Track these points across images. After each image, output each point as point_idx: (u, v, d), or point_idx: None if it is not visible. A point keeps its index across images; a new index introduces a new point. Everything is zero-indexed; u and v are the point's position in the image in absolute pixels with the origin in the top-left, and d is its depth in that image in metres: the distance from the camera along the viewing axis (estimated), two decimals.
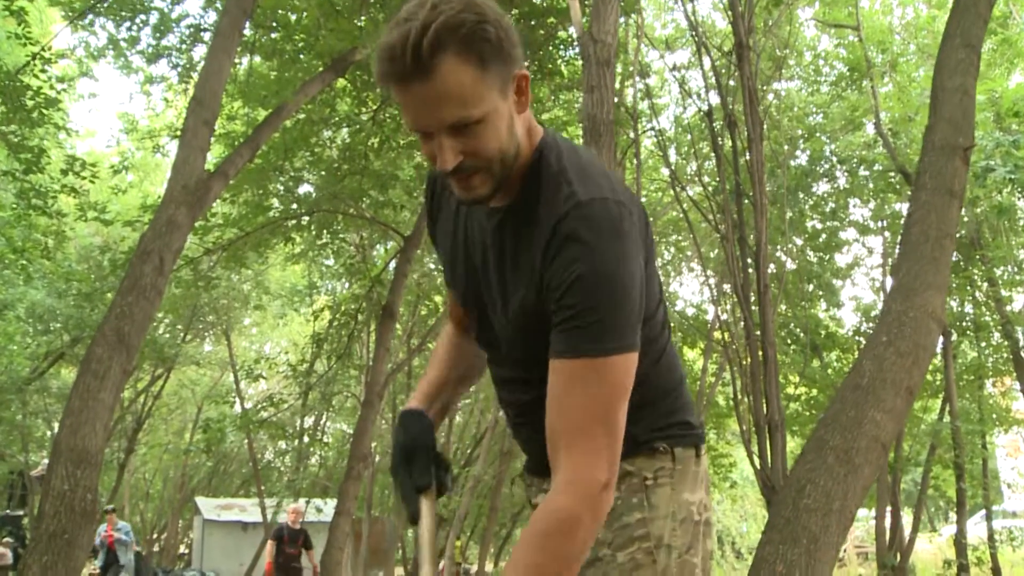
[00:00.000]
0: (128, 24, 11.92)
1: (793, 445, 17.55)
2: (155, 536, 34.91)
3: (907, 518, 18.56)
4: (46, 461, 16.11)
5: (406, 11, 1.36)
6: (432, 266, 17.45)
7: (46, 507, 3.01)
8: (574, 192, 1.43)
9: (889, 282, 17.45)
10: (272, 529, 11.49)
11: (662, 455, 1.59)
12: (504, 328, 1.58)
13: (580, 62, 13.13)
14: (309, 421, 21.77)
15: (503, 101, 1.42)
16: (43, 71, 10.98)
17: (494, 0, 1.43)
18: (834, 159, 17.21)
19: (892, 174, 15.52)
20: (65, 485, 3.06)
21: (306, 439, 21.10)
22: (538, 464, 1.70)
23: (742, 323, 11.59)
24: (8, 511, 21.78)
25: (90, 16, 11.92)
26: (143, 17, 11.86)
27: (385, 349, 7.77)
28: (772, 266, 14.25)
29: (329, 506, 18.50)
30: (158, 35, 12.10)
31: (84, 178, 11.27)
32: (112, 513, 14.17)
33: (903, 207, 16.60)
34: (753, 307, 10.91)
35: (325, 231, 13.32)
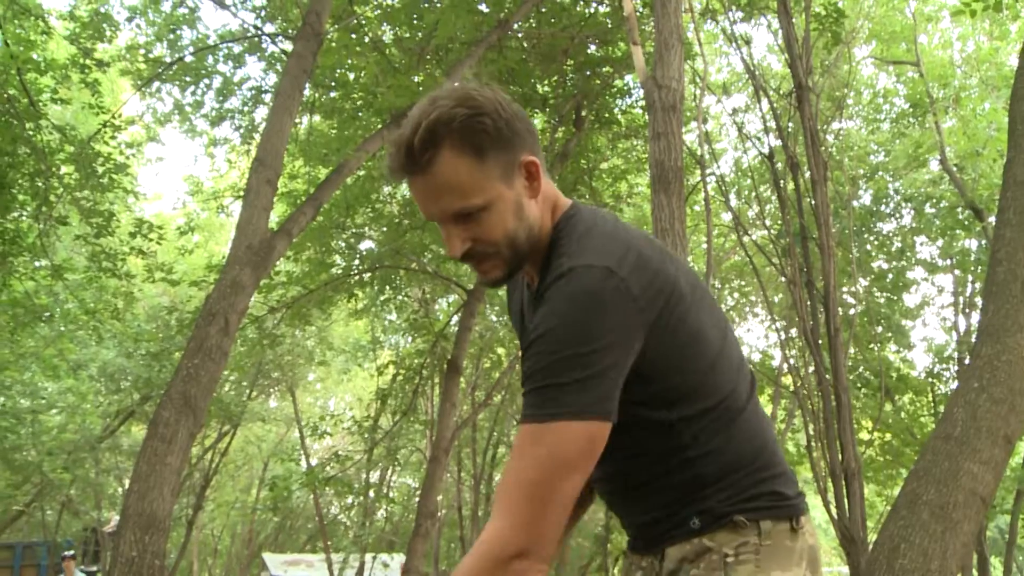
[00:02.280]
0: (192, 89, 12.29)
1: (868, 492, 17.00)
2: None
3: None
4: (117, 518, 16.27)
5: (413, 109, 1.45)
6: (495, 318, 17.42)
7: (115, 574, 2.99)
8: (563, 263, 1.42)
9: (962, 321, 17.00)
10: None
11: (745, 529, 1.47)
12: None
13: (637, 110, 13.17)
14: (375, 476, 21.75)
15: (507, 188, 1.45)
16: (113, 138, 11.34)
17: (501, 90, 1.48)
18: (898, 197, 16.89)
19: (960, 210, 15.15)
20: (133, 551, 3.04)
21: (372, 494, 21.05)
22: (633, 540, 1.65)
23: (812, 368, 11.33)
24: (83, 567, 22.10)
25: (157, 84, 12.31)
26: (207, 82, 12.22)
27: (451, 404, 7.69)
28: (839, 309, 13.95)
29: (396, 561, 18.39)
30: (221, 99, 12.44)
31: (151, 240, 11.53)
32: (71, 560, 12.90)
33: (972, 243, 16.17)
34: (823, 352, 10.66)
35: (387, 286, 13.38)
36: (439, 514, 21.12)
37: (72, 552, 13.72)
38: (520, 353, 1.72)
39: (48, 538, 20.49)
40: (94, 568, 19.80)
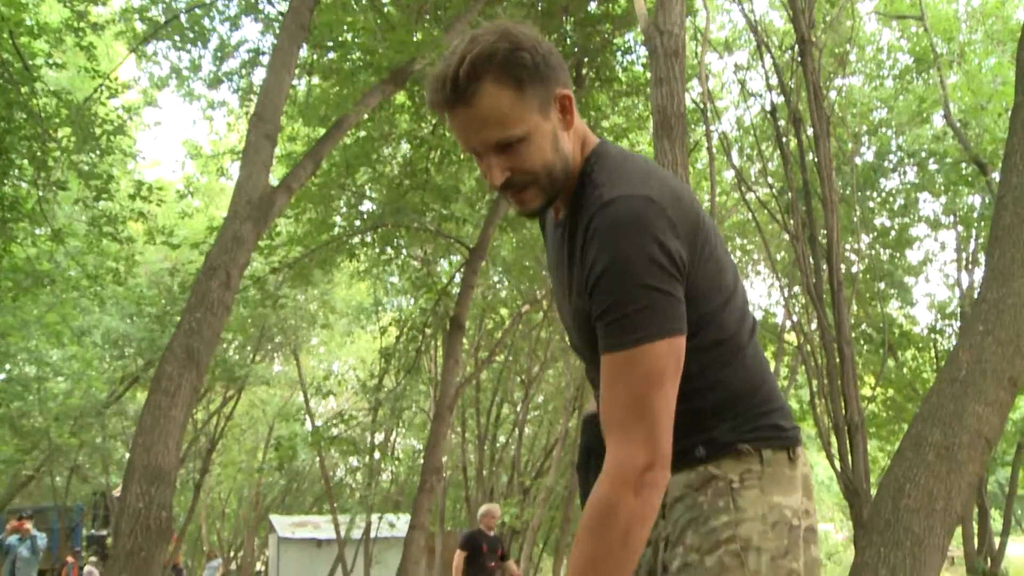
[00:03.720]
0: (189, 50, 12.17)
1: (871, 448, 17.10)
2: (232, 554, 35.42)
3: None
4: None
5: (452, 47, 1.51)
6: (496, 279, 17.41)
7: (122, 525, 3.00)
8: (601, 194, 1.50)
9: (965, 277, 16.98)
10: (461, 536, 9.04)
11: (748, 457, 1.57)
12: (574, 332, 1.66)
13: (638, 68, 13.04)
14: (380, 437, 21.89)
15: (544, 120, 1.52)
16: (112, 97, 11.25)
17: (535, 27, 1.56)
18: (901, 154, 16.80)
19: (964, 165, 15.07)
20: (140, 503, 3.05)
21: (377, 455, 21.18)
22: None
23: (815, 324, 11.33)
24: (93, 531, 22.38)
25: (153, 47, 12.18)
26: (203, 43, 12.10)
27: (454, 361, 7.66)
28: (842, 265, 13.94)
29: (402, 521, 18.56)
30: (218, 61, 12.32)
31: (151, 202, 11.49)
32: (27, 519, 12.35)
33: (976, 199, 16.10)
34: (826, 307, 10.66)
35: (389, 247, 13.35)
36: (444, 474, 21.29)
37: (29, 513, 13.46)
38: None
39: (58, 503, 20.66)
40: (104, 532, 20.00)
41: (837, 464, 9.92)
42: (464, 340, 15.23)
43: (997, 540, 16.66)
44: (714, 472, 1.56)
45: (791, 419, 1.66)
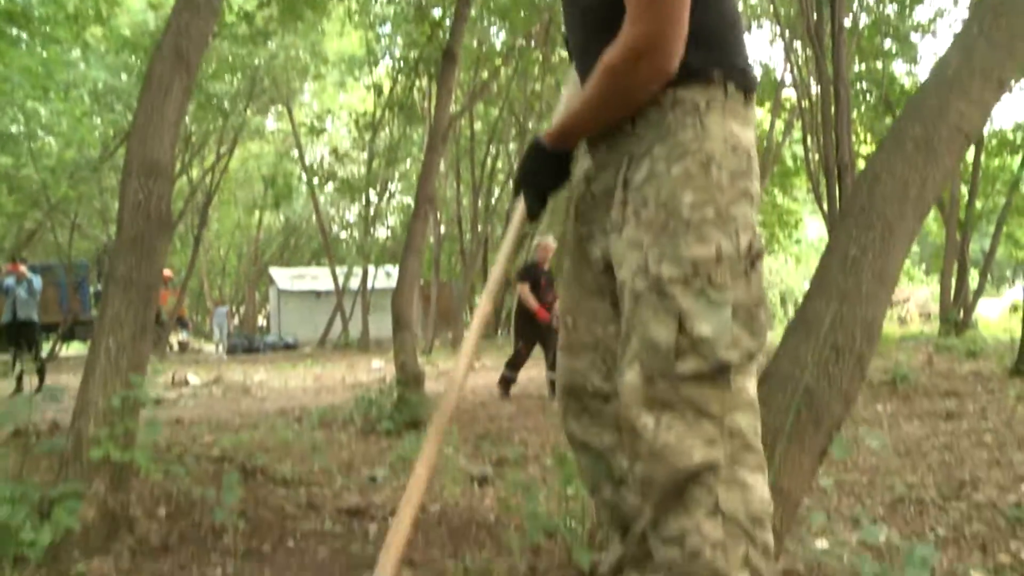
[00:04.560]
0: None
1: None
2: (235, 308, 36.64)
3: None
4: None
5: None
6: (490, 27, 16.89)
7: (123, 217, 3.09)
8: None
9: None
10: (520, 269, 8.74)
11: (715, 86, 1.63)
12: None
13: None
14: (375, 197, 22.06)
15: None
16: None
17: None
18: None
19: None
20: (139, 195, 3.12)
21: (373, 205, 21.33)
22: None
23: (814, 67, 11.13)
24: (100, 287, 23.05)
25: None
26: None
27: (447, 92, 7.49)
28: (848, 19, 13.55)
29: (397, 271, 19.08)
30: None
31: None
32: (21, 262, 11.93)
33: None
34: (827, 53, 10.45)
35: None
36: (440, 222, 21.65)
37: (23, 257, 13.53)
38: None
39: (63, 259, 21.04)
40: None
41: (825, 206, 10.08)
42: (459, 91, 14.99)
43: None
44: (682, 95, 1.62)
45: (753, 70, 1.73)
